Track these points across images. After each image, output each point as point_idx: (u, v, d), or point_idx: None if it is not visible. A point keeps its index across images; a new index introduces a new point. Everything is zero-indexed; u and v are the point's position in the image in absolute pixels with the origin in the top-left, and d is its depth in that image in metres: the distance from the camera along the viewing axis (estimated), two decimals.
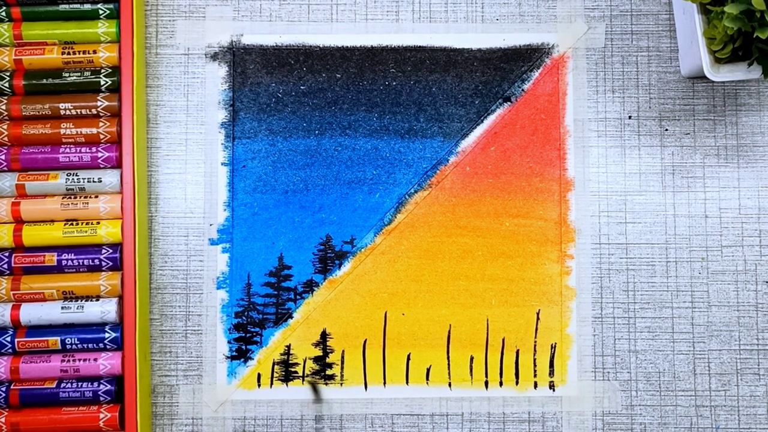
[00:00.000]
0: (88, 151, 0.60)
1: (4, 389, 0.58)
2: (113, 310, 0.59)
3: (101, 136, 0.60)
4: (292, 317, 0.63)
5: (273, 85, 0.64)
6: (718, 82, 0.64)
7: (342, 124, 0.64)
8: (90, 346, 0.59)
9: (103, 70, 0.61)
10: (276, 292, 0.63)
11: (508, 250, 0.63)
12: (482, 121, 0.64)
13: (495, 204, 0.63)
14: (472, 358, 0.63)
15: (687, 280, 0.63)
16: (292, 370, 0.62)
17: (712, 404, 0.63)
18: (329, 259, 0.63)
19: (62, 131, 0.60)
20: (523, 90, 0.64)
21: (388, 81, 0.64)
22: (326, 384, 0.62)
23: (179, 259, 0.63)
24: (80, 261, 0.59)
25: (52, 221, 0.60)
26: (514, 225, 0.63)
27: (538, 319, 0.63)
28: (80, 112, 0.60)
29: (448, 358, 0.63)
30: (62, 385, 0.59)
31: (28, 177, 0.60)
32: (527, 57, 0.64)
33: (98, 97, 0.61)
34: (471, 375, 0.63)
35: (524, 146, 0.64)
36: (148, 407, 0.61)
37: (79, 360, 0.59)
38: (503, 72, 0.64)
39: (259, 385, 0.62)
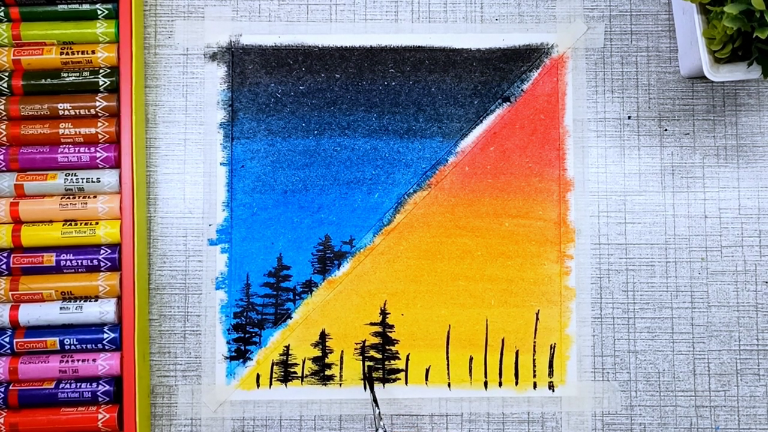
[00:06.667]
0: (86, 151, 0.60)
1: (3, 390, 0.58)
2: (112, 311, 0.59)
3: (100, 136, 0.60)
4: (291, 318, 0.62)
5: (272, 86, 0.64)
6: (717, 82, 0.64)
7: (341, 124, 0.63)
8: (89, 346, 0.59)
9: (101, 71, 0.61)
10: (275, 293, 0.63)
11: (507, 251, 0.63)
12: (481, 122, 0.64)
13: (494, 204, 0.63)
14: (471, 359, 0.63)
15: (687, 281, 0.63)
16: (291, 370, 0.62)
17: (711, 404, 0.63)
18: (328, 260, 0.63)
19: (61, 131, 0.60)
20: (522, 90, 0.64)
21: (387, 81, 0.64)
22: (325, 384, 0.62)
23: (178, 260, 0.63)
24: (79, 261, 0.59)
25: (51, 221, 0.60)
26: (513, 225, 0.63)
27: (537, 319, 0.63)
28: (79, 112, 0.60)
29: (447, 358, 0.63)
30: (61, 385, 0.59)
31: (26, 177, 0.60)
32: (526, 57, 0.64)
33: (97, 98, 0.60)
34: (470, 375, 0.62)
35: (523, 146, 0.64)
36: (147, 408, 0.61)
37: (78, 360, 0.59)
38: (502, 72, 0.64)
39: (258, 386, 0.62)
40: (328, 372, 0.62)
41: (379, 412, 0.58)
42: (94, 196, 0.60)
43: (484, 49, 0.64)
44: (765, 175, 0.64)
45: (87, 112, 0.61)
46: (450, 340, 0.63)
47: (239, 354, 0.62)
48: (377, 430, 0.57)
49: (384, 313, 0.63)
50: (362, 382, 0.62)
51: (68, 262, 0.59)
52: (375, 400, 0.59)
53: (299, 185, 0.63)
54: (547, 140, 0.64)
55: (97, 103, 0.60)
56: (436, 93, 0.64)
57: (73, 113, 0.60)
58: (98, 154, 0.60)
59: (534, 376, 0.62)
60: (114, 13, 0.61)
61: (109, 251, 0.60)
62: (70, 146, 0.60)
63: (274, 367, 0.62)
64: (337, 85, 0.64)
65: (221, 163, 0.63)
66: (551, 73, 0.64)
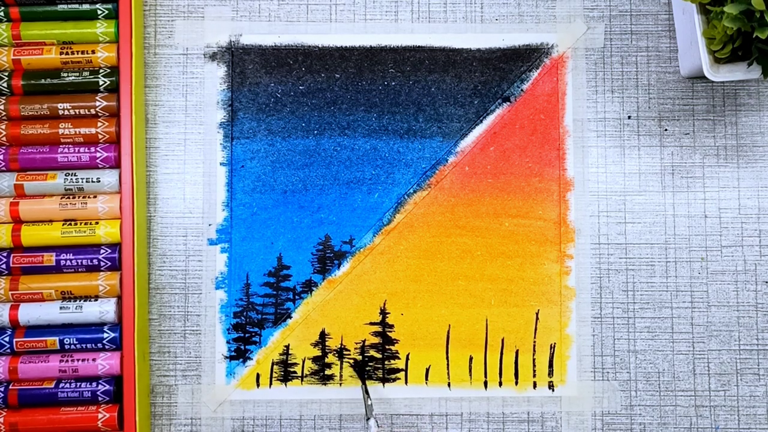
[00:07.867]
0: (86, 151, 0.60)
1: (2, 389, 0.58)
2: (112, 310, 0.59)
3: (100, 136, 0.60)
4: (290, 317, 0.62)
5: (272, 85, 0.64)
6: (717, 82, 0.64)
7: (341, 124, 0.63)
8: (88, 346, 0.59)
9: (101, 70, 0.61)
10: (275, 292, 0.63)
11: (507, 250, 0.63)
12: (481, 121, 0.64)
13: (494, 204, 0.63)
14: (471, 358, 0.63)
15: (686, 280, 0.63)
16: (291, 370, 0.62)
17: (711, 404, 0.63)
18: (328, 259, 0.63)
19: (61, 131, 0.60)
20: (522, 90, 0.64)
21: (387, 81, 0.64)
22: (325, 384, 0.62)
23: (178, 259, 0.63)
24: (79, 261, 0.59)
25: (51, 221, 0.60)
26: (513, 225, 0.63)
27: (537, 319, 0.63)
28: (79, 112, 0.60)
29: (447, 358, 0.63)
30: (61, 385, 0.59)
31: (26, 177, 0.60)
32: (526, 57, 0.64)
33: (97, 97, 0.60)
34: (470, 375, 0.62)
35: (523, 146, 0.64)
36: (147, 407, 0.61)
37: (78, 360, 0.59)
38: (502, 72, 0.64)
39: (258, 386, 0.62)
40: (327, 372, 0.62)
41: (371, 403, 0.58)
42: (94, 196, 0.60)
43: (484, 49, 0.64)
44: (765, 175, 0.64)
45: (87, 112, 0.61)
46: (450, 340, 0.63)
47: (239, 354, 0.62)
48: (369, 419, 0.57)
49: (384, 312, 0.63)
50: (356, 374, 0.62)
51: (68, 261, 0.59)
52: (366, 391, 0.59)
53: (299, 185, 0.63)
54: (547, 140, 0.64)
55: (97, 103, 0.60)
56: (436, 93, 0.64)
57: (73, 113, 0.60)
58: (98, 154, 0.60)
59: (534, 375, 0.62)
60: (114, 13, 0.61)
61: (109, 251, 0.60)
62: (70, 146, 0.60)
63: (274, 366, 0.62)
64: (337, 85, 0.64)
65: (221, 163, 0.63)
66: (551, 73, 0.64)
